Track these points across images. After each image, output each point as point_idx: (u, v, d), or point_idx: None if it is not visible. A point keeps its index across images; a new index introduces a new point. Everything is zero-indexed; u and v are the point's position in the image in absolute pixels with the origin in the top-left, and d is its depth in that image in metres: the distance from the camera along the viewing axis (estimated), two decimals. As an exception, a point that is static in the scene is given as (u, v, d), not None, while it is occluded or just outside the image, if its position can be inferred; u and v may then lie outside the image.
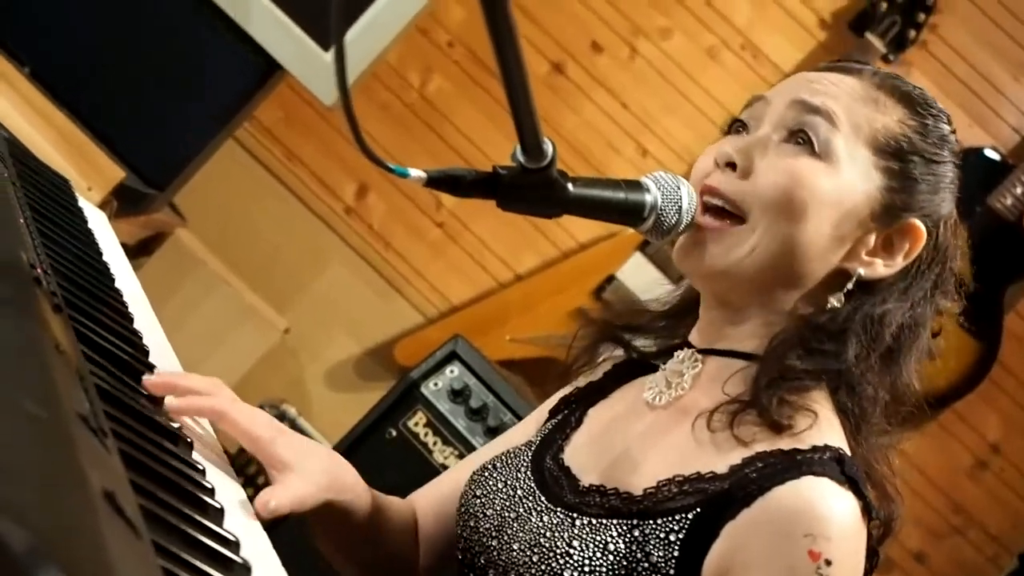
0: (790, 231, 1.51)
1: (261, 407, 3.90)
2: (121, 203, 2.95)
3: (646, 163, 4.41)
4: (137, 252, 3.76)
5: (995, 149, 4.27)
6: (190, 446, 1.38)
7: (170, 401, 1.43)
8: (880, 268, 1.55)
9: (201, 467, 1.33)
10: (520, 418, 2.88)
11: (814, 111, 1.54)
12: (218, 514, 1.23)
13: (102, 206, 2.74)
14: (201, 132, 3.35)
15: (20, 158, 2.04)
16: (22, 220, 1.53)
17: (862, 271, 1.54)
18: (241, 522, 1.32)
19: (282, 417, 3.91)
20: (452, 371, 2.93)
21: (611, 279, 4.30)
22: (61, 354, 1.13)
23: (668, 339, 1.73)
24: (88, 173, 2.83)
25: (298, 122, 4.43)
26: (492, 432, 2.88)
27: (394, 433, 2.88)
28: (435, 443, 2.87)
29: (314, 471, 1.52)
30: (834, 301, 1.53)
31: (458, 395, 2.89)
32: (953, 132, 1.62)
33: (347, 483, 1.60)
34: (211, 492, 1.27)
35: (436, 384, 2.91)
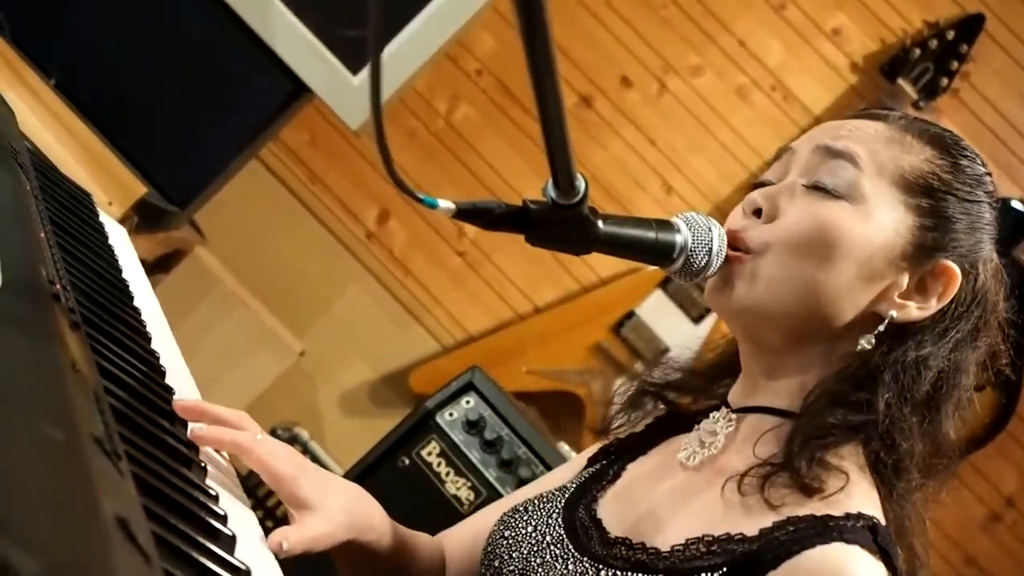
0: (813, 271, 1.47)
1: (274, 430, 3.90)
2: (141, 219, 2.94)
3: (671, 201, 4.39)
4: (155, 269, 3.75)
5: (1023, 200, 4.24)
6: (204, 471, 1.35)
7: (195, 428, 1.41)
8: (913, 311, 1.49)
9: (214, 493, 1.30)
10: (535, 452, 2.87)
11: (837, 155, 1.51)
12: (230, 542, 1.21)
13: (122, 221, 2.72)
14: (225, 151, 3.33)
15: (42, 170, 2.02)
16: (42, 234, 1.51)
17: (894, 313, 1.49)
18: (253, 550, 1.29)
19: (294, 440, 3.89)
20: (468, 402, 2.89)
21: (631, 315, 4.28)
22: (77, 373, 1.11)
23: (706, 398, 1.70)
24: (109, 187, 2.82)
25: (323, 145, 4.42)
26: (505, 464, 2.85)
27: (407, 462, 2.84)
28: (448, 473, 2.84)
29: (335, 511, 1.50)
30: (864, 343, 1.49)
31: (473, 426, 2.86)
32: (988, 174, 1.57)
33: (371, 523, 1.58)
34: (223, 519, 1.24)
35: (451, 414, 2.88)
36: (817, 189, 1.51)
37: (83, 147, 2.84)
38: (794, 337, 1.52)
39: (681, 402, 1.73)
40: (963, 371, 1.51)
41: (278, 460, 1.48)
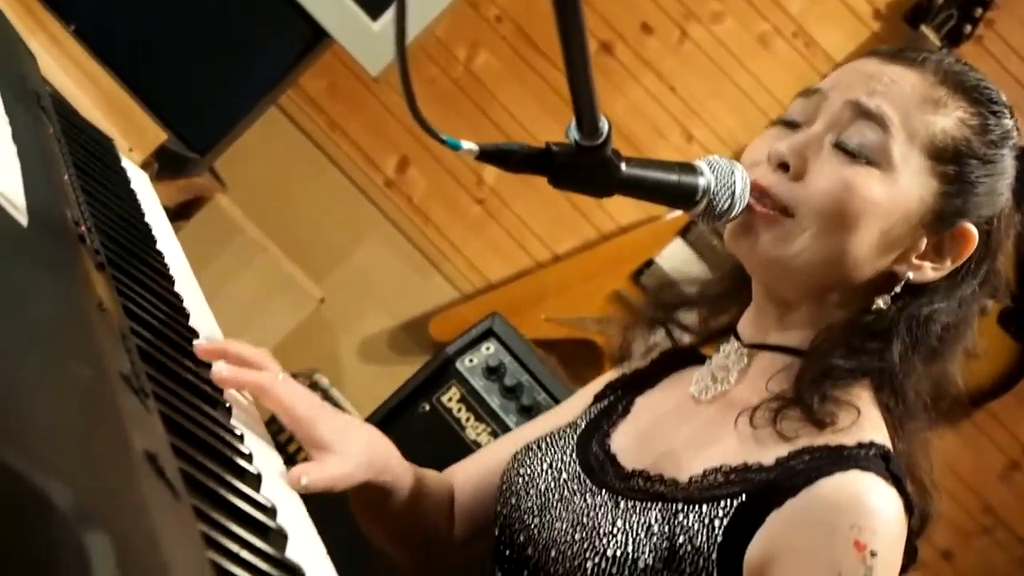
0: (840, 240, 1.50)
1: (294, 376, 3.91)
2: (162, 166, 2.94)
3: (691, 149, 4.38)
4: (176, 216, 3.75)
5: (1052, 149, 4.21)
6: (229, 411, 1.36)
7: (218, 369, 1.42)
8: (929, 272, 1.54)
9: (239, 432, 1.31)
10: (555, 398, 2.88)
11: (869, 116, 1.51)
12: (255, 480, 1.22)
13: (143, 168, 2.73)
14: (245, 98, 3.33)
15: (64, 114, 2.02)
16: (66, 177, 1.52)
17: (911, 275, 1.53)
18: (278, 489, 1.31)
19: (315, 387, 3.91)
20: (488, 348, 2.90)
21: (650, 263, 4.28)
22: (104, 313, 1.12)
23: (712, 322, 1.74)
24: (130, 134, 2.83)
25: (342, 93, 4.41)
26: (525, 411, 2.86)
27: (427, 408, 2.86)
28: (468, 419, 2.85)
29: (354, 452, 1.52)
30: (880, 303, 1.53)
31: (493, 372, 2.87)
32: (1016, 128, 1.58)
33: (388, 464, 1.60)
34: (249, 458, 1.26)
35: (471, 360, 2.89)
36: (846, 149, 1.51)
37: (103, 94, 2.85)
38: (811, 293, 1.55)
39: (686, 338, 1.77)
40: (967, 322, 1.55)
41: (298, 401, 1.50)
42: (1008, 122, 1.57)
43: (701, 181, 1.47)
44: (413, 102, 1.22)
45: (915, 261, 1.53)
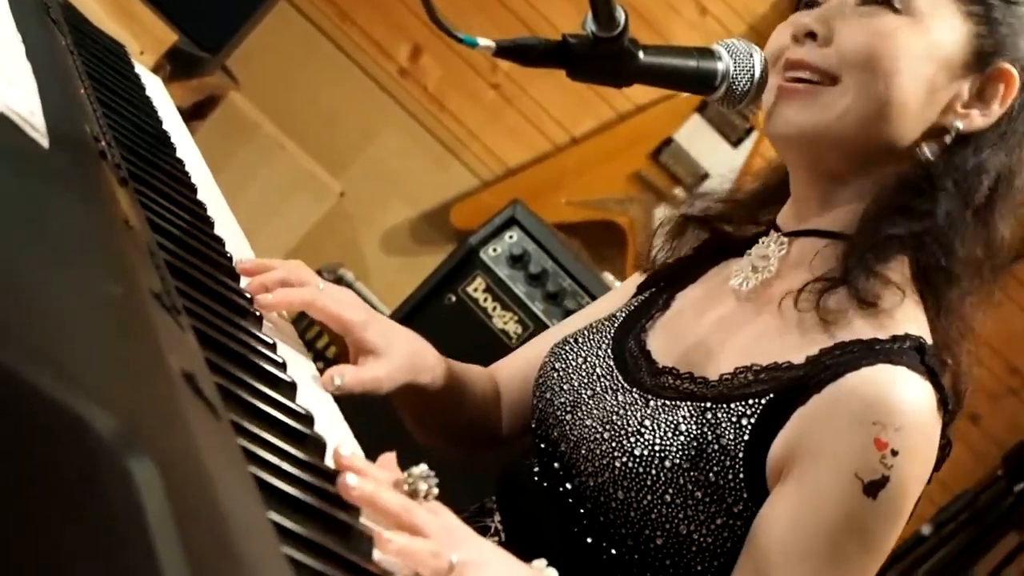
0: (883, 89, 1.46)
1: (319, 272, 3.92)
2: (174, 67, 2.93)
3: (706, 23, 4.32)
4: (191, 116, 3.74)
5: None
6: (260, 320, 1.37)
7: (262, 299, 1.43)
8: (977, 119, 1.50)
9: (272, 341, 1.32)
10: (580, 284, 2.89)
11: None
12: (290, 389, 1.23)
13: (155, 70, 2.71)
14: (253, -7, 3.31)
15: (75, 23, 2.01)
16: (82, 90, 1.51)
17: (960, 124, 1.49)
18: (314, 396, 1.32)
19: (340, 281, 3.92)
20: (511, 236, 2.91)
21: (669, 141, 4.26)
22: (131, 230, 1.12)
23: (753, 225, 1.70)
24: (140, 36, 2.81)
25: (351, -19, 4.36)
26: (551, 297, 2.87)
27: (453, 299, 2.87)
28: (494, 308, 2.86)
29: (398, 354, 1.55)
30: (927, 151, 1.49)
31: (517, 261, 2.88)
32: None
33: (427, 364, 1.63)
34: (283, 367, 1.27)
35: (495, 250, 2.89)
36: (871, 6, 1.49)
37: (112, -2, 2.83)
38: (859, 160, 1.51)
39: (727, 228, 1.73)
40: (1019, 171, 1.51)
41: (346, 308, 1.53)
42: None
43: (719, 66, 1.45)
44: (429, 3, 1.21)
45: (960, 110, 1.49)
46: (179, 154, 1.79)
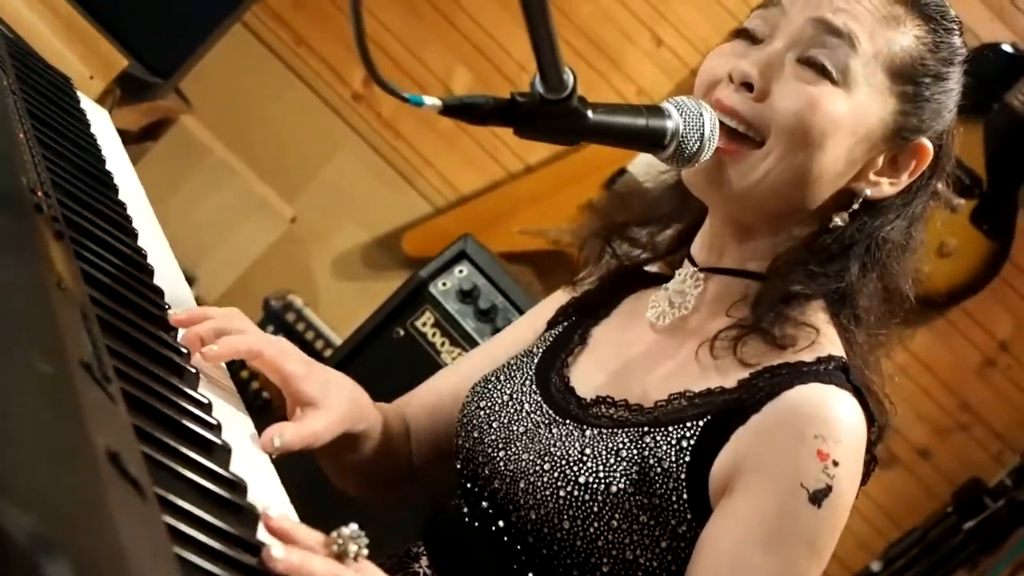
0: (806, 159, 1.50)
1: (268, 300, 3.90)
2: (124, 92, 2.89)
3: (661, 54, 4.33)
4: (142, 137, 3.71)
5: (1015, 45, 4.18)
6: (197, 378, 1.34)
7: (208, 351, 1.42)
8: (886, 187, 1.56)
9: (207, 401, 1.29)
10: (530, 320, 2.86)
11: (835, 33, 1.50)
12: (225, 453, 1.21)
13: (104, 95, 2.68)
14: (208, 17, 3.27)
15: (20, 57, 1.98)
16: (22, 135, 1.48)
17: (868, 191, 1.55)
18: (250, 456, 1.30)
19: (288, 308, 3.89)
20: (461, 271, 2.89)
21: (622, 172, 4.25)
22: (63, 292, 1.10)
23: (659, 238, 1.73)
24: (90, 61, 2.77)
25: (307, 7, 4.34)
26: (500, 333, 2.85)
27: (402, 333, 2.84)
28: (443, 343, 2.84)
29: (336, 404, 1.54)
30: (838, 220, 1.55)
31: (467, 295, 2.86)
32: (964, 44, 1.60)
33: (364, 413, 1.64)
34: (217, 429, 1.24)
35: (445, 284, 2.87)
36: (810, 66, 1.50)
37: (62, 21, 2.79)
38: (772, 217, 1.56)
39: (637, 258, 1.75)
40: (918, 235, 1.59)
41: (288, 358, 1.52)
42: (957, 39, 1.59)
43: (669, 124, 1.45)
44: (369, 61, 1.19)
45: (872, 178, 1.55)
46: (121, 195, 1.77)
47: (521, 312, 2.87)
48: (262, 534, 1.11)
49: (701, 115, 1.46)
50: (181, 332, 1.43)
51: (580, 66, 4.10)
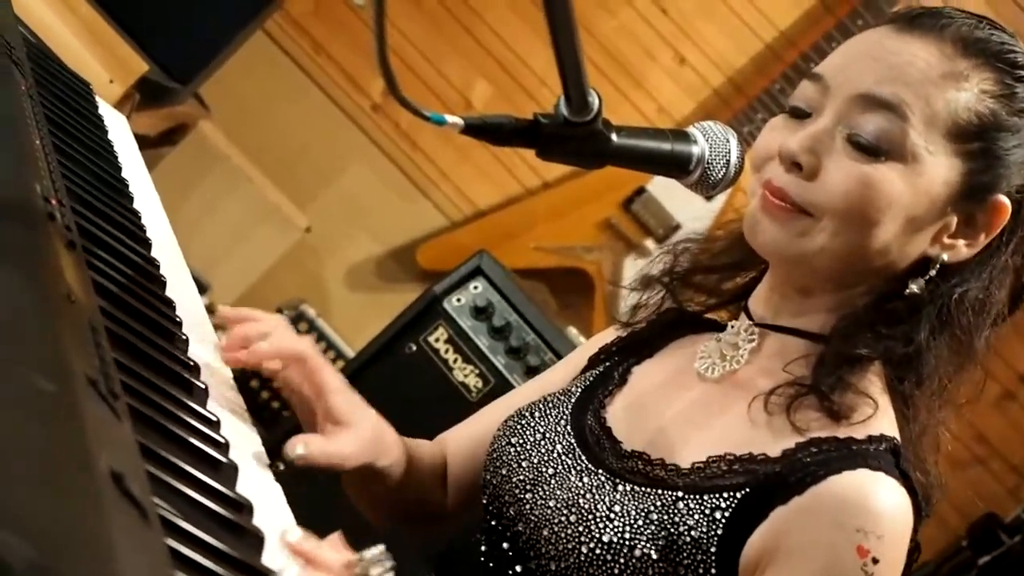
0: (862, 236, 1.42)
1: (280, 309, 3.87)
2: (143, 96, 2.88)
3: (683, 72, 4.30)
4: (160, 142, 3.69)
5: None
6: (206, 393, 1.32)
7: (258, 346, 1.44)
8: (963, 250, 1.45)
9: (215, 419, 1.27)
10: (543, 339, 2.84)
11: (884, 106, 1.41)
12: (231, 474, 1.18)
13: (124, 99, 2.67)
14: (229, 24, 3.26)
15: (40, 61, 1.97)
16: (38, 141, 1.46)
17: (945, 256, 1.45)
18: (256, 477, 1.27)
19: (301, 318, 3.87)
20: (476, 287, 2.85)
21: (641, 191, 4.23)
22: (72, 304, 1.08)
23: (721, 287, 1.67)
24: (110, 65, 2.76)
25: (327, 15, 4.33)
26: (514, 352, 2.82)
27: (414, 348, 2.81)
28: (455, 360, 2.81)
29: (363, 429, 1.52)
30: (915, 287, 1.45)
31: (481, 312, 2.82)
32: None
33: (389, 448, 1.59)
34: (225, 448, 1.22)
35: (459, 300, 2.84)
36: (859, 144, 1.41)
37: (84, 24, 2.78)
38: (833, 283, 1.48)
39: (689, 302, 1.69)
40: (998, 292, 1.47)
41: (328, 368, 1.52)
42: None
43: (695, 150, 1.42)
44: (391, 79, 1.17)
45: (947, 241, 1.45)
46: (136, 202, 1.75)
47: (535, 330, 2.85)
48: (267, 557, 1.08)
49: (727, 141, 1.43)
50: (199, 342, 1.41)
51: (601, 83, 4.08)
